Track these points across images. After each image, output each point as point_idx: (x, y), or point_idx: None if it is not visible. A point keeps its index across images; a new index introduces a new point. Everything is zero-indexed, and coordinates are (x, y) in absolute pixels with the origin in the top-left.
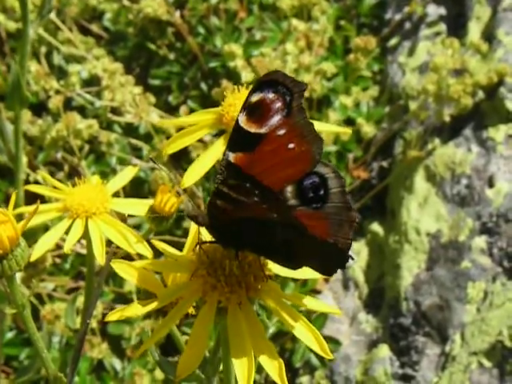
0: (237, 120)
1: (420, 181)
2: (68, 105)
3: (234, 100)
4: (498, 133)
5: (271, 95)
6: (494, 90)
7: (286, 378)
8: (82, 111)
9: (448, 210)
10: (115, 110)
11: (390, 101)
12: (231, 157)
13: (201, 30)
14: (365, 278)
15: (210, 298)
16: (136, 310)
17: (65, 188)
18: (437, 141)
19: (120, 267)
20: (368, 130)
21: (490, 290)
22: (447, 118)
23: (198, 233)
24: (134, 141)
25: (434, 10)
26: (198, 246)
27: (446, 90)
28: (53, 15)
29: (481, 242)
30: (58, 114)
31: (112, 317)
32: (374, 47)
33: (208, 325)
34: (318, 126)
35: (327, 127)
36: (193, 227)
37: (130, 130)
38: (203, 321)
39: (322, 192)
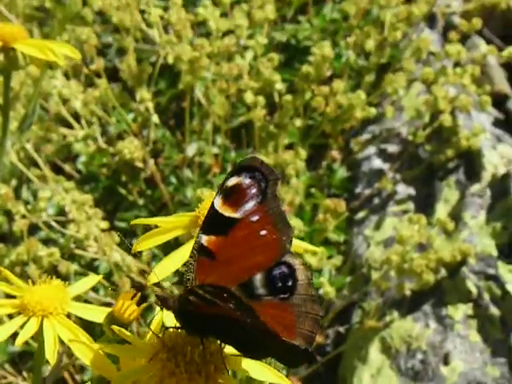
0: (212, 203)
1: (375, 352)
2: (33, 235)
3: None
4: (457, 312)
5: (248, 180)
6: (457, 270)
7: None
8: (46, 243)
9: None
10: (78, 244)
11: (352, 271)
12: (204, 239)
13: (173, 179)
14: None
15: None
16: None
17: (24, 286)
18: (395, 313)
19: (77, 347)
20: (329, 290)
21: None
22: (408, 292)
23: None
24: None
25: (404, 190)
26: (161, 331)
27: (410, 264)
28: (30, 148)
29: None
30: (21, 238)
31: None
32: (344, 211)
33: None
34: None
35: (300, 243)
36: (156, 316)
37: (90, 266)
38: None
39: (290, 283)
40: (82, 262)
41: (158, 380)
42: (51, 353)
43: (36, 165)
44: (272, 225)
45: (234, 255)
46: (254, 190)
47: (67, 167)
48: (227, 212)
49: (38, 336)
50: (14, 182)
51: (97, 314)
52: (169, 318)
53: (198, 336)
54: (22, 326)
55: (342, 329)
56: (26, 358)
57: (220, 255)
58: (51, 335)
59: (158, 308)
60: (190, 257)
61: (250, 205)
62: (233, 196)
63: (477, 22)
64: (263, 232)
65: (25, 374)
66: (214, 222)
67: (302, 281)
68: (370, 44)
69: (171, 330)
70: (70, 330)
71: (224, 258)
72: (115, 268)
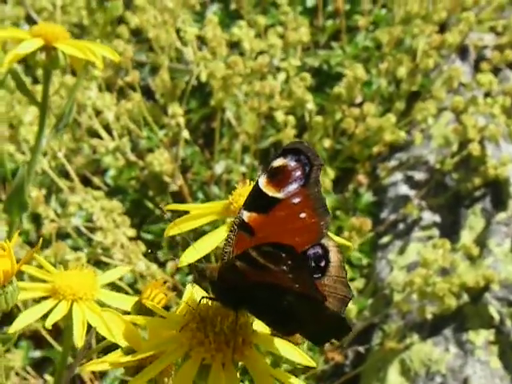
0: (256, 182)
1: (393, 374)
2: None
3: (244, 191)
4: (478, 337)
5: (293, 163)
6: (479, 295)
7: None
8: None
9: None
10: (105, 252)
11: (373, 294)
12: (245, 215)
13: (200, 195)
14: None
15: (195, 354)
16: (115, 359)
17: (54, 271)
18: (415, 337)
19: (109, 318)
20: (351, 307)
21: None
22: (429, 316)
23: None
24: (118, 283)
25: (429, 216)
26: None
27: (432, 287)
28: (62, 157)
29: None
30: (50, 241)
31: (90, 367)
32: (369, 229)
33: (189, 380)
34: None
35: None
36: (188, 289)
37: None
38: (184, 375)
39: (322, 263)
40: (106, 270)
41: (187, 349)
42: (79, 336)
43: (66, 176)
44: (312, 209)
45: (272, 234)
46: (298, 173)
47: (96, 180)
48: (271, 192)
49: (67, 320)
50: (43, 192)
51: (125, 302)
52: (200, 293)
53: (232, 308)
54: (51, 310)
55: (361, 349)
56: (47, 365)
57: (259, 232)
58: (80, 319)
59: (189, 285)
60: (231, 231)
61: (293, 187)
62: (277, 177)
63: (509, 54)
64: (303, 215)
65: (46, 376)
66: (256, 200)
67: (334, 262)
68: (402, 71)
69: (203, 302)
70: (99, 315)
71: (262, 236)
72: (139, 277)
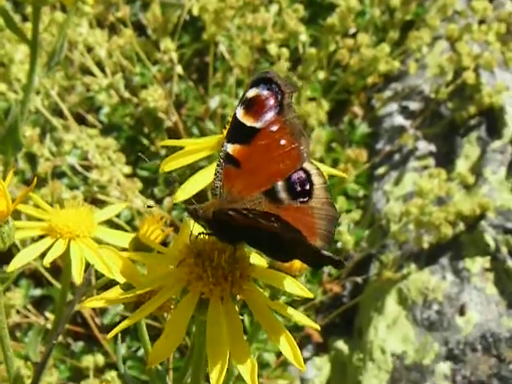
0: (234, 114)
1: (391, 303)
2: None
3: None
4: (474, 264)
5: (265, 92)
6: (475, 223)
7: (256, 380)
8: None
9: (416, 334)
10: (102, 190)
11: (370, 225)
12: (229, 148)
13: (195, 130)
14: None
15: (193, 288)
16: (115, 294)
17: (50, 209)
18: (413, 266)
19: (107, 254)
20: (348, 239)
21: None
22: (426, 245)
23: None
24: (116, 221)
25: (424, 146)
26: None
27: (428, 217)
28: (55, 95)
29: (445, 367)
30: (45, 180)
31: (90, 304)
32: (364, 160)
33: (187, 314)
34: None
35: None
36: (184, 225)
37: None
38: (183, 309)
39: (307, 187)
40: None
41: (185, 284)
42: (78, 273)
43: (60, 115)
44: (290, 134)
45: (257, 164)
46: (271, 102)
47: (90, 118)
48: (249, 122)
49: (65, 258)
50: (37, 131)
51: (122, 239)
52: (196, 229)
53: (229, 242)
54: (49, 248)
55: (359, 280)
56: (47, 303)
57: (245, 163)
58: (78, 256)
59: (185, 220)
60: (218, 165)
61: (269, 115)
62: (253, 107)
63: None
64: (283, 141)
65: (47, 314)
66: (237, 132)
67: (318, 185)
68: (396, 0)
69: (199, 237)
70: (96, 252)
71: (248, 167)
72: (137, 214)
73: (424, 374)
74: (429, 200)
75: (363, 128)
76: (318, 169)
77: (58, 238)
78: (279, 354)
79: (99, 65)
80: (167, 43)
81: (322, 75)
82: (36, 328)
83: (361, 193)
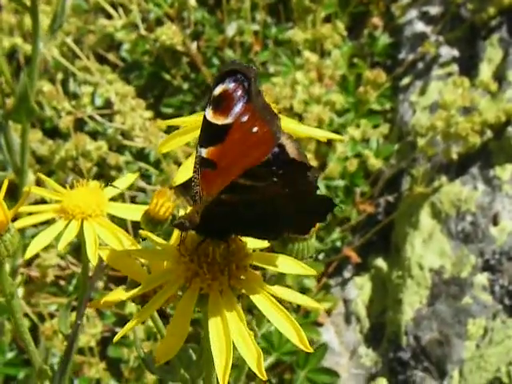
0: (204, 116)
1: (425, 217)
2: (80, 129)
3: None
4: (505, 172)
5: (232, 84)
6: (502, 130)
7: (263, 368)
8: (93, 136)
9: (452, 247)
10: (126, 135)
11: (399, 138)
12: (204, 152)
13: (215, 61)
14: (367, 312)
15: (192, 285)
16: (119, 295)
17: (63, 190)
18: (443, 178)
19: (107, 254)
20: (374, 162)
21: (489, 327)
22: (455, 156)
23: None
24: (143, 165)
25: (447, 51)
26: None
27: (455, 128)
28: (71, 42)
29: (483, 279)
30: (69, 134)
31: (96, 304)
32: (384, 81)
33: (189, 311)
34: (308, 130)
35: (323, 133)
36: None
37: (140, 155)
38: (184, 306)
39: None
40: (133, 151)
41: (184, 281)
42: (92, 254)
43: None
44: (261, 119)
45: (233, 158)
46: (239, 92)
47: (111, 56)
48: (219, 120)
49: (80, 237)
50: (60, 76)
51: (135, 213)
52: None
53: (221, 239)
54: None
55: (391, 197)
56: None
57: (221, 162)
58: (91, 237)
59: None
60: (194, 172)
61: (239, 106)
62: (221, 103)
63: None
64: (255, 129)
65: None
66: (209, 134)
67: (292, 153)
68: None
69: (193, 232)
70: (110, 230)
71: (225, 164)
72: (162, 156)
73: (463, 287)
74: (454, 111)
75: (384, 39)
76: (289, 137)
77: (70, 219)
78: (319, 278)
79: (113, 5)
80: None
81: None
82: (65, 304)
83: (387, 105)
